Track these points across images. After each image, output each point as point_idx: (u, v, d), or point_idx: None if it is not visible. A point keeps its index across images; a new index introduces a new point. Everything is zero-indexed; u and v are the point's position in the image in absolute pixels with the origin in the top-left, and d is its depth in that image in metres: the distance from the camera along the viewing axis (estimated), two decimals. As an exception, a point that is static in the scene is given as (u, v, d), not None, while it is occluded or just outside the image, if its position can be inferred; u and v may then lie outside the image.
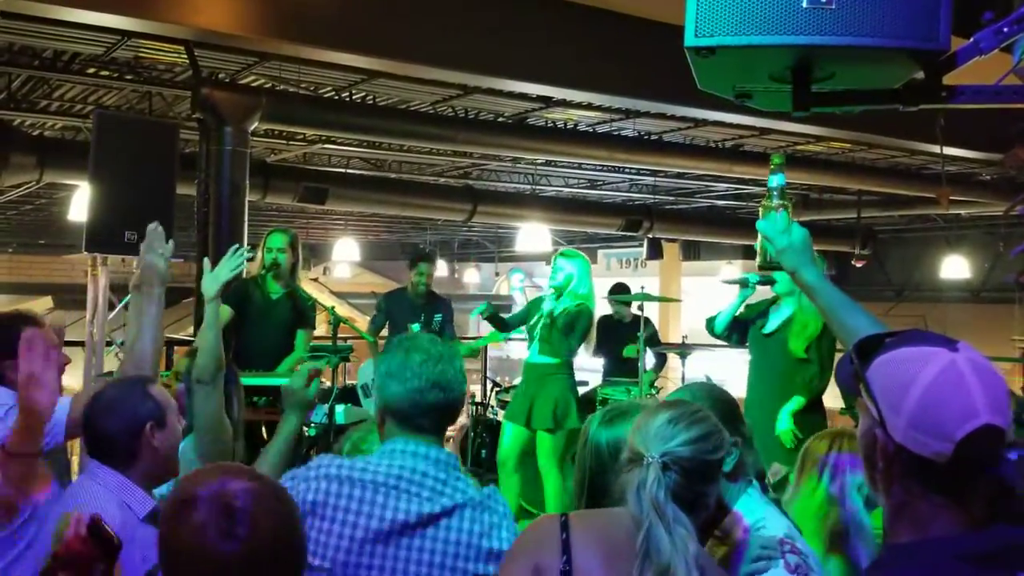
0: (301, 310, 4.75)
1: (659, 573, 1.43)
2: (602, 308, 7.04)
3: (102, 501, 1.94)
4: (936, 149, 7.46)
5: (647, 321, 6.13)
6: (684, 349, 6.45)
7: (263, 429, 4.44)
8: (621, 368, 6.36)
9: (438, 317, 5.74)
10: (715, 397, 1.92)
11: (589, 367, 7.59)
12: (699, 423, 1.58)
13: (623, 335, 6.35)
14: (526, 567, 1.54)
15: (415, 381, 1.84)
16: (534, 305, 5.22)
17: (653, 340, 6.55)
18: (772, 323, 4.43)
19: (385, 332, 5.98)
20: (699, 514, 1.55)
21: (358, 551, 1.73)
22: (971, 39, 1.81)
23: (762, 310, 4.55)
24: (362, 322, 7.78)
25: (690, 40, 1.72)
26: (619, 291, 6.60)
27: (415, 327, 5.34)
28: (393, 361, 1.88)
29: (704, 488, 1.56)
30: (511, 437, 5.06)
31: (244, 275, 4.87)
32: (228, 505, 1.28)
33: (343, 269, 17.89)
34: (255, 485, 1.33)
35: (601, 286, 6.71)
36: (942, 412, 1.10)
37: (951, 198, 9.80)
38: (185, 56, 5.83)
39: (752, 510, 1.83)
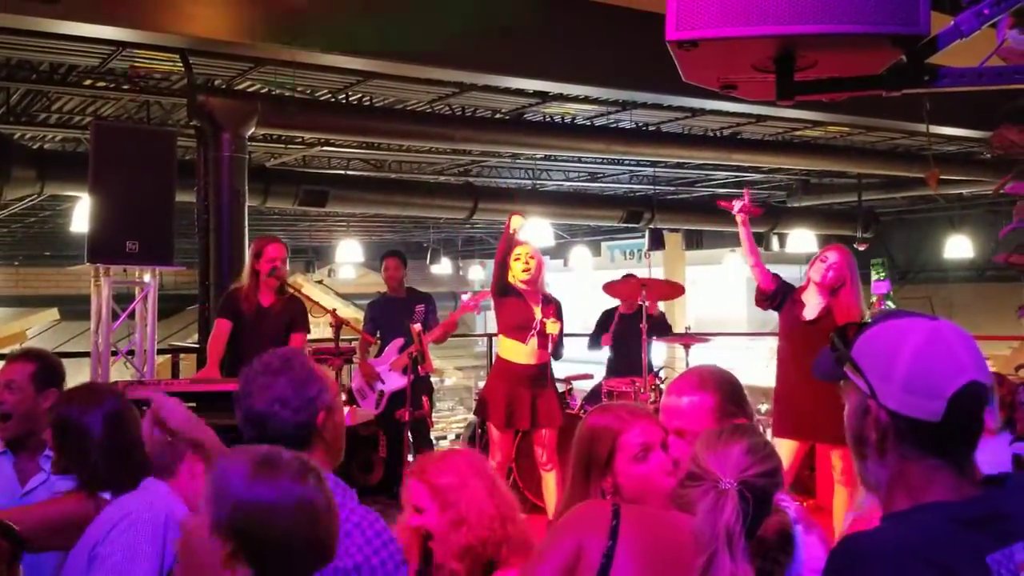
0: (293, 314, 4.77)
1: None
2: (607, 301, 7.06)
3: (148, 500, 1.96)
4: (934, 129, 7.45)
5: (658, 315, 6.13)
6: (689, 338, 6.46)
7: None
8: (626, 360, 6.36)
9: (421, 308, 5.77)
10: (722, 378, 1.92)
11: (594, 360, 7.60)
12: (771, 457, 1.59)
13: (630, 327, 6.36)
14: (572, 542, 1.55)
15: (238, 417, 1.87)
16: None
17: (662, 329, 6.55)
18: (810, 310, 4.32)
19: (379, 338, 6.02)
20: (749, 542, 1.55)
21: None
22: (952, 22, 1.82)
23: (792, 294, 4.44)
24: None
25: (672, 33, 1.73)
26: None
27: (417, 326, 5.35)
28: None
29: (762, 519, 1.56)
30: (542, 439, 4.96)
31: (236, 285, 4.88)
32: None
33: (347, 271, 17.92)
34: None
35: (605, 278, 6.73)
36: (932, 372, 1.15)
37: (940, 177, 9.77)
38: (181, 64, 5.85)
39: None
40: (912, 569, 1.09)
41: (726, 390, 1.86)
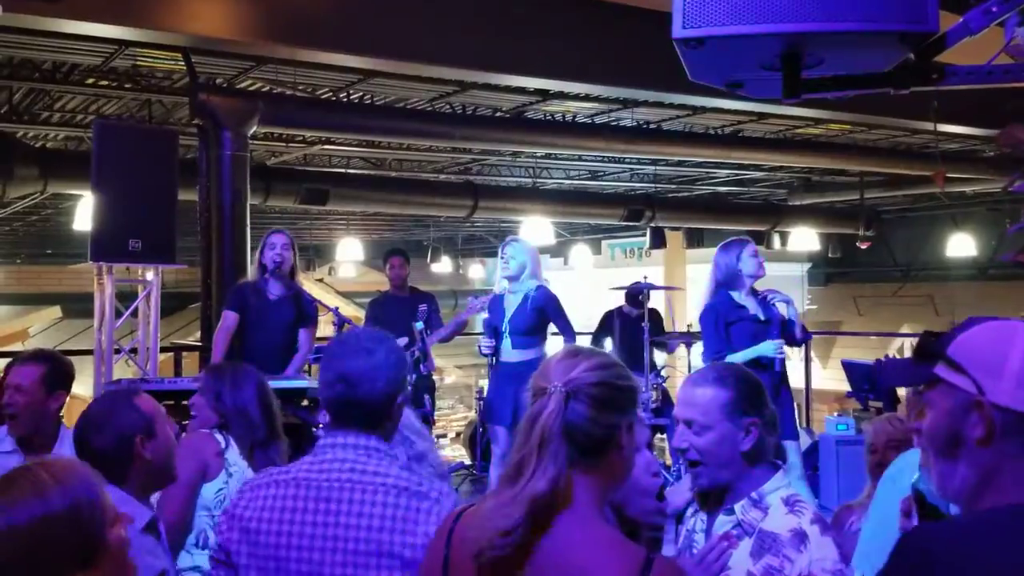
0: (302, 309, 4.76)
1: (502, 505, 1.38)
2: (612, 303, 7.07)
3: None
4: (937, 127, 7.44)
5: (652, 313, 6.15)
6: (690, 337, 6.46)
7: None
8: (629, 359, 6.36)
9: (423, 307, 5.77)
10: (742, 377, 1.89)
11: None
12: (614, 366, 1.50)
13: (634, 329, 6.39)
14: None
15: (324, 374, 1.85)
16: (493, 305, 5.04)
17: (657, 330, 6.58)
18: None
19: None
20: (609, 453, 1.45)
21: (286, 545, 1.74)
22: (960, 20, 1.81)
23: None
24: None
25: (678, 32, 1.73)
26: (633, 293, 6.65)
27: (419, 325, 5.34)
28: (323, 357, 1.91)
29: (616, 420, 1.46)
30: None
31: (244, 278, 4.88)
32: None
33: (348, 269, 17.92)
34: None
35: (606, 277, 6.73)
36: None
37: (951, 176, 9.77)
38: (183, 63, 5.85)
39: (779, 488, 1.83)
40: (991, 569, 1.09)
41: (742, 389, 1.84)
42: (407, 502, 1.73)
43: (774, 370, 4.25)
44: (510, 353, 4.89)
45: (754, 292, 4.41)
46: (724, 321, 4.26)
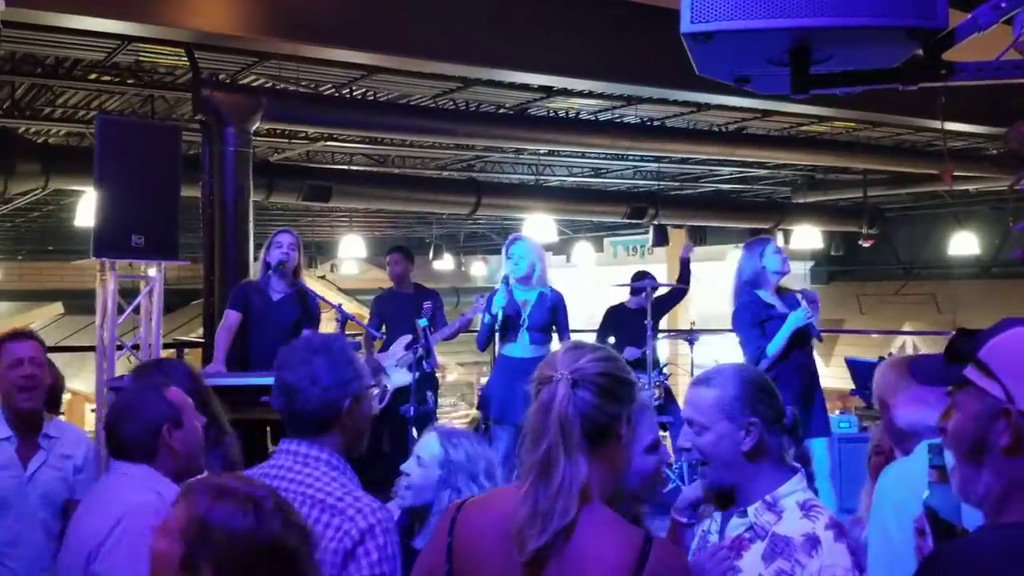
0: (306, 308, 4.75)
1: (549, 500, 1.40)
2: (616, 298, 7.07)
3: (132, 490, 1.99)
4: (939, 125, 7.42)
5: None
6: (693, 334, 6.45)
7: (268, 429, 4.43)
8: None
9: (427, 305, 5.77)
10: (748, 379, 1.87)
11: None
12: (613, 358, 1.57)
13: (636, 324, 6.38)
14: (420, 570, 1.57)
15: (273, 384, 1.88)
16: (497, 300, 5.02)
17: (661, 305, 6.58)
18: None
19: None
20: (609, 443, 1.51)
21: None
22: (969, 15, 1.80)
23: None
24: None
25: (686, 26, 1.72)
26: (638, 286, 6.65)
27: (423, 323, 5.33)
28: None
29: (617, 410, 1.52)
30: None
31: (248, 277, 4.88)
32: None
33: (350, 266, 17.91)
34: None
35: (608, 275, 6.72)
36: None
37: (955, 174, 9.74)
38: (185, 58, 5.84)
39: (795, 492, 1.81)
40: None
41: (744, 389, 1.82)
42: (318, 515, 1.71)
43: (810, 369, 4.25)
44: (527, 349, 4.94)
45: (780, 292, 4.39)
46: (757, 319, 4.24)
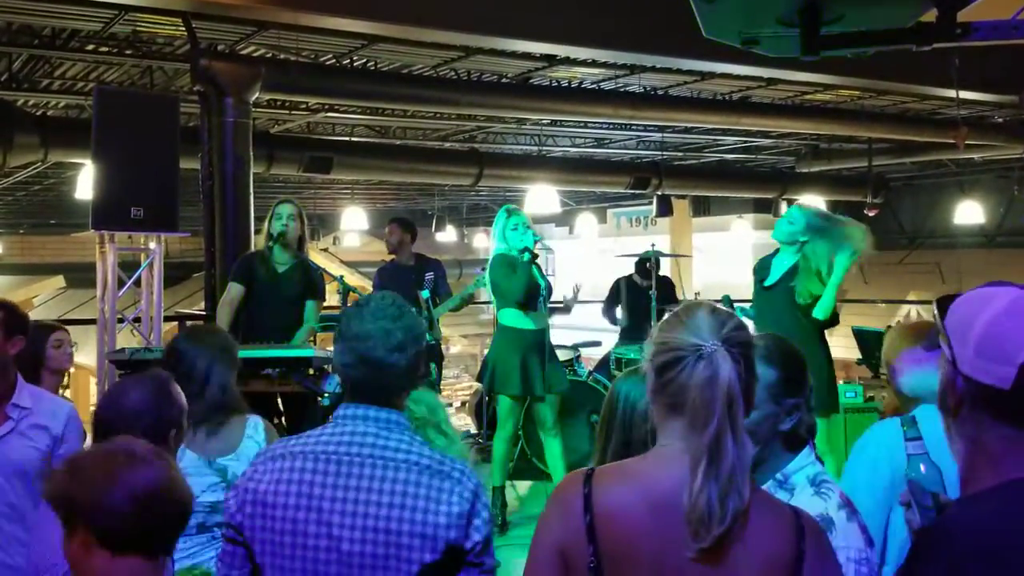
0: (310, 281, 4.72)
1: (725, 483, 1.32)
2: (618, 271, 7.04)
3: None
4: (948, 92, 7.32)
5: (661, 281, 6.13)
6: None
7: (278, 400, 4.44)
8: (639, 328, 6.38)
9: (430, 276, 5.74)
10: (786, 353, 1.82)
11: (604, 328, 7.57)
12: (724, 311, 1.45)
13: (643, 299, 6.38)
14: (550, 551, 1.42)
15: (344, 355, 1.82)
16: (521, 270, 4.84)
17: (670, 298, 6.57)
18: (773, 275, 4.41)
19: None
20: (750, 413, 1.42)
21: (304, 520, 1.70)
22: (985, -27, 1.75)
23: (765, 264, 4.51)
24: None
25: (694, -14, 1.67)
26: (642, 264, 6.64)
27: (425, 294, 5.31)
28: (340, 328, 1.86)
29: (753, 380, 1.42)
30: (547, 404, 4.86)
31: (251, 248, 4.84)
32: None
33: (352, 238, 17.88)
34: None
35: (612, 246, 6.69)
36: (1005, 338, 1.13)
37: (967, 142, 9.65)
38: (183, 28, 5.76)
39: (805, 467, 1.79)
40: (999, 556, 1.07)
41: (788, 370, 1.78)
42: (429, 481, 1.72)
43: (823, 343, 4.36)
44: (542, 320, 4.84)
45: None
46: None
